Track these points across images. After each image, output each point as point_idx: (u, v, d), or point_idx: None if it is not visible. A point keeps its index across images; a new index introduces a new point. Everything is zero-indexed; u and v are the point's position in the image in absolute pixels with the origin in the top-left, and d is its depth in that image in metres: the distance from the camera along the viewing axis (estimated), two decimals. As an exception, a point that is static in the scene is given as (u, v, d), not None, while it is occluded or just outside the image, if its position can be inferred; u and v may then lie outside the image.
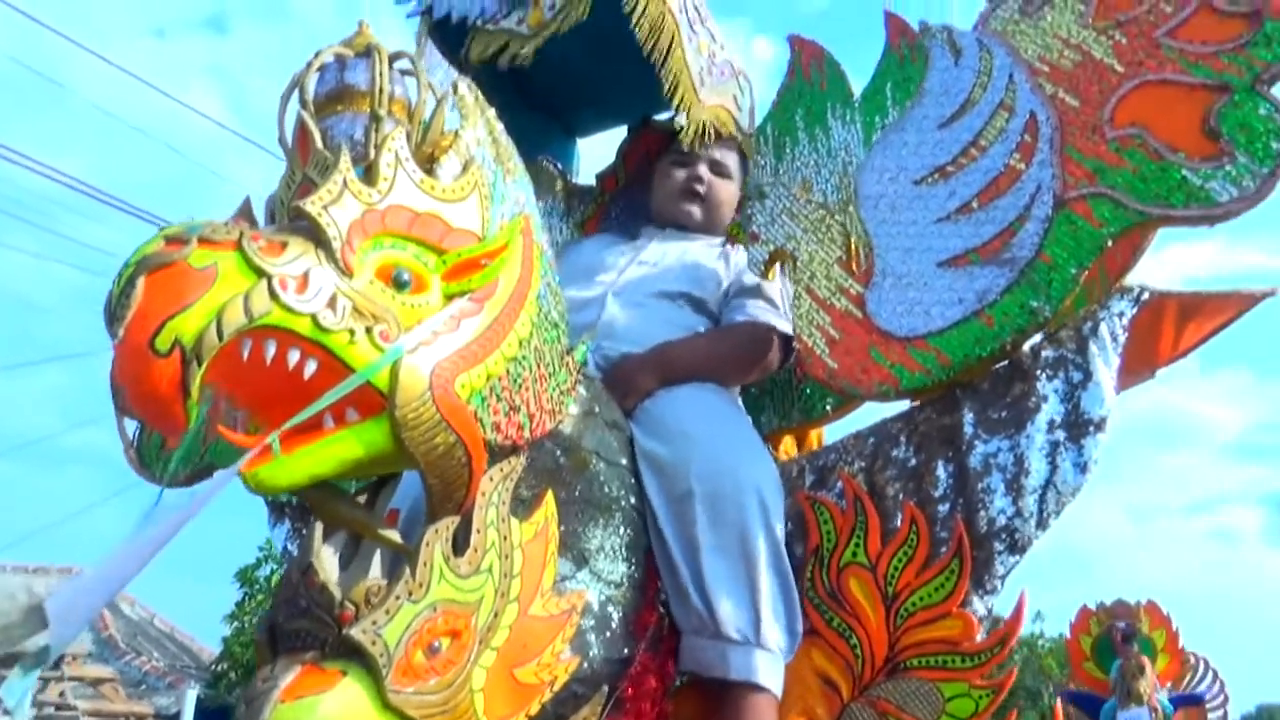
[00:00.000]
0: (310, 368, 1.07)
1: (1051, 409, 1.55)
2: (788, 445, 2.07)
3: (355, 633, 1.05)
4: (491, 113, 1.48)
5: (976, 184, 1.65)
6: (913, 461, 1.63)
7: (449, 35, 2.07)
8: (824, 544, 1.62)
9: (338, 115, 1.31)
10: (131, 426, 2.63)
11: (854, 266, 1.73)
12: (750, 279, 1.90)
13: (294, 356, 1.06)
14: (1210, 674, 6.53)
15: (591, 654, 1.42)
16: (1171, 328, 1.70)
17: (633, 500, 1.56)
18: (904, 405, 1.77)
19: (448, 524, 1.20)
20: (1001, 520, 1.54)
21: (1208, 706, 6.28)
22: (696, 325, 1.86)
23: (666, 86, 1.94)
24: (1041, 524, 1.53)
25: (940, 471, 1.60)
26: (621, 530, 1.53)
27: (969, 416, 1.60)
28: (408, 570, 1.13)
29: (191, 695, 9.98)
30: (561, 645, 1.33)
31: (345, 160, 1.17)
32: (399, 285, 1.17)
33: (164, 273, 0.98)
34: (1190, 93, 1.54)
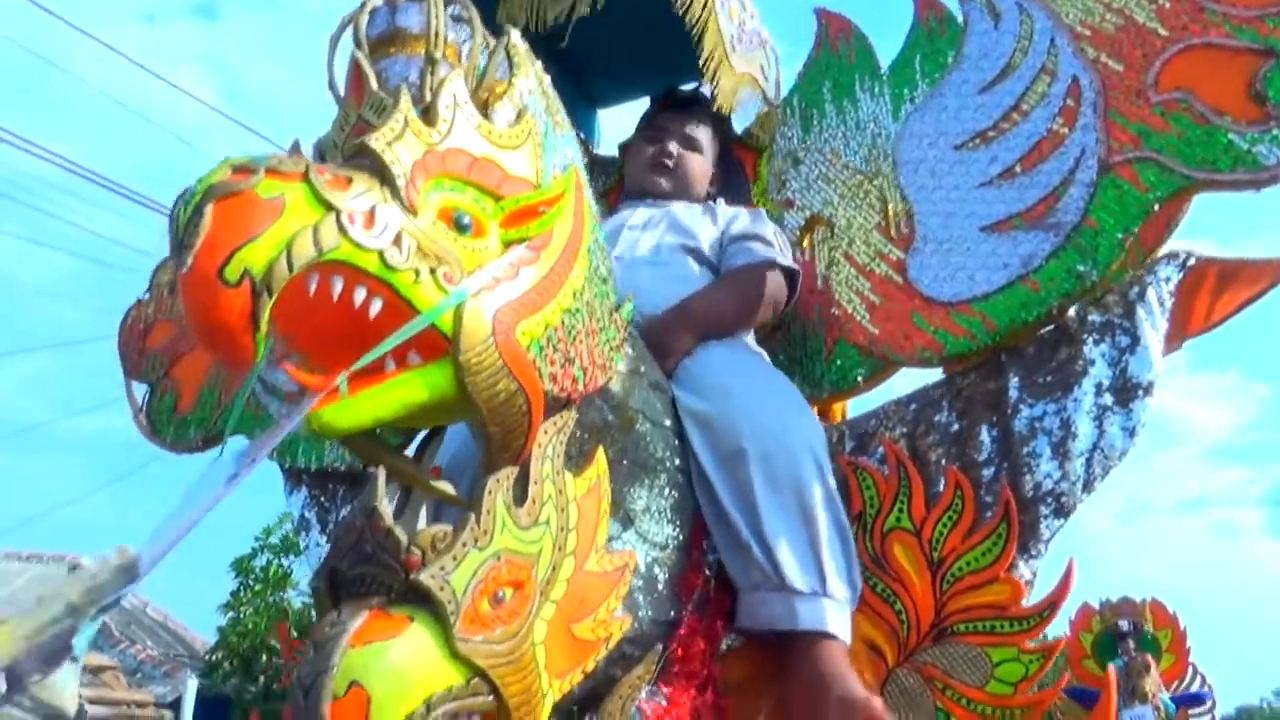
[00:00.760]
0: (376, 306, 1.04)
1: (1099, 373, 1.54)
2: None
3: (424, 578, 1.02)
4: (539, 66, 1.46)
5: (1019, 149, 1.65)
6: (955, 426, 1.62)
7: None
8: (867, 509, 1.61)
9: (391, 58, 1.28)
10: (141, 390, 2.59)
11: (893, 232, 1.72)
12: (740, 225, 1.91)
13: (360, 294, 1.03)
14: (1199, 677, 6.54)
15: (640, 614, 1.39)
16: (1208, 295, 1.70)
17: (677, 462, 1.54)
18: (932, 376, 1.76)
19: (508, 473, 1.17)
20: (1048, 484, 1.53)
21: (1204, 707, 6.26)
22: (700, 276, 1.85)
23: (703, 52, 1.92)
24: (1087, 487, 1.52)
25: (984, 436, 1.59)
26: (667, 492, 1.51)
27: (1014, 381, 1.59)
28: (472, 517, 1.10)
29: (192, 684, 9.87)
30: (615, 603, 1.30)
31: (406, 100, 1.14)
32: (460, 228, 1.15)
33: (232, 201, 0.95)
34: (1235, 57, 1.54)
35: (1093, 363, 1.54)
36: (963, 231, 1.65)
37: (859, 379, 1.95)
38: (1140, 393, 1.51)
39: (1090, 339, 1.56)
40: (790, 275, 1.86)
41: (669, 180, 2.08)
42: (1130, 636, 5.64)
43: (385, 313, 1.05)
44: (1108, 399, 1.52)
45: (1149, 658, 5.49)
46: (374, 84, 1.22)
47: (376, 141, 1.08)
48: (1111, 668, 4.95)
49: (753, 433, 1.51)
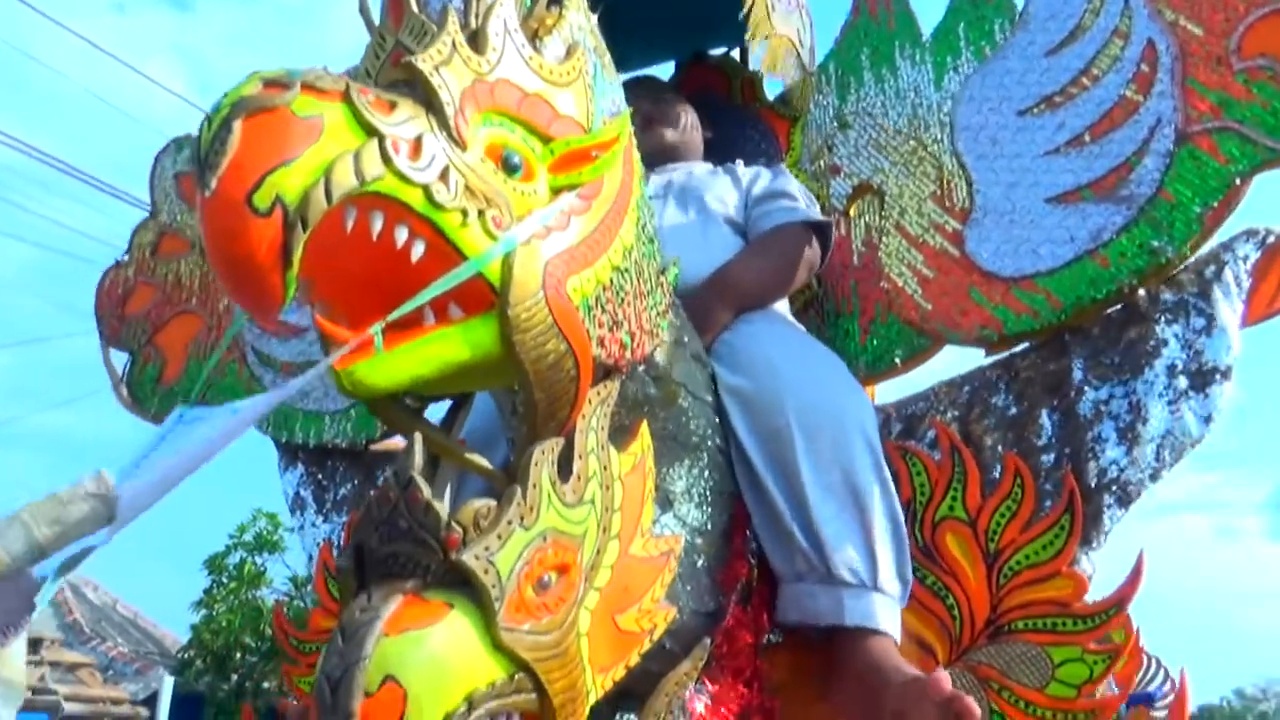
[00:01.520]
0: (418, 249, 0.92)
1: (1172, 354, 1.44)
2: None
3: (467, 558, 0.90)
4: (585, 3, 1.33)
5: (1089, 115, 1.54)
6: (1014, 410, 1.52)
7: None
8: (916, 497, 1.50)
9: (432, -20, 1.15)
10: (121, 360, 2.44)
11: (950, 202, 1.60)
12: (763, 185, 1.80)
13: (402, 234, 0.91)
14: (1162, 672, 6.57)
15: (680, 604, 1.28)
16: (1276, 280, 1.60)
17: (718, 441, 1.42)
18: (970, 360, 1.66)
19: (552, 444, 1.05)
20: (1113, 471, 1.43)
21: (1156, 705, 6.32)
22: (731, 241, 1.74)
23: (745, 7, 1.81)
24: (1155, 476, 1.42)
25: (1045, 420, 1.49)
26: (707, 473, 1.39)
27: (1078, 362, 1.48)
28: (518, 491, 0.97)
29: (169, 681, 9.72)
30: (660, 591, 1.19)
31: (454, 22, 1.01)
32: (509, 169, 1.02)
33: (265, 118, 0.82)
34: (1327, 22, 1.44)
35: (1165, 343, 1.44)
36: (1026, 202, 1.55)
37: (896, 360, 1.84)
38: (1218, 377, 1.41)
39: (1162, 319, 1.46)
40: (822, 231, 1.75)
41: (668, 130, 1.97)
42: None
43: (428, 257, 0.93)
44: (1182, 382, 1.42)
45: None
46: (414, 4, 1.09)
47: (425, 63, 0.96)
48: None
49: (798, 409, 1.40)
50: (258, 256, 0.81)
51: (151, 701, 10.02)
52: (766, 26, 1.89)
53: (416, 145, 0.91)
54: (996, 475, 1.47)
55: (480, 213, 0.96)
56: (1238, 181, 1.43)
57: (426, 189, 0.90)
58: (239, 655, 9.75)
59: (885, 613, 1.35)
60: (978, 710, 1.11)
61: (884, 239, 1.64)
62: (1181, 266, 1.47)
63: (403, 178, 0.88)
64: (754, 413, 1.43)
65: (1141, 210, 1.46)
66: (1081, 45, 1.58)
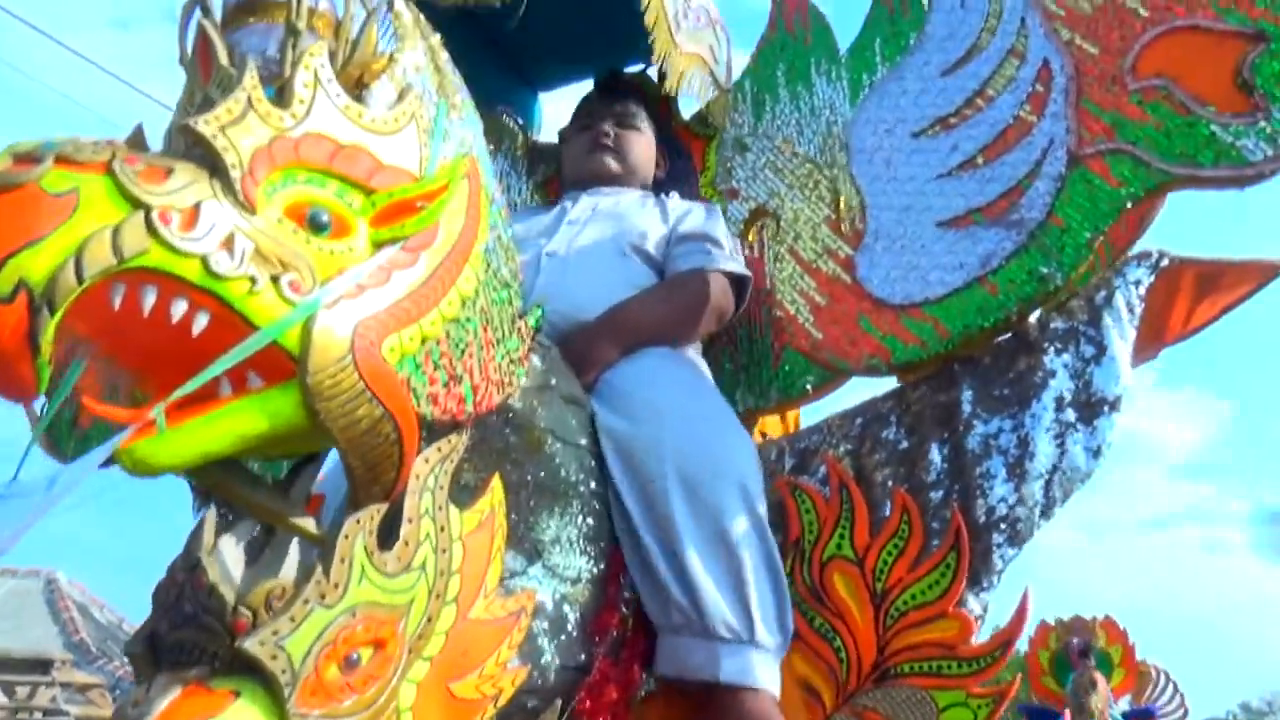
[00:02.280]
0: (200, 322, 0.88)
1: (1060, 385, 1.39)
2: (767, 427, 1.90)
3: (250, 645, 0.86)
4: (436, 39, 1.29)
5: (982, 137, 1.49)
6: (904, 444, 1.47)
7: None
8: (805, 535, 1.46)
9: (248, 28, 1.11)
10: (39, 404, 2.41)
11: (844, 227, 1.56)
12: (691, 224, 1.75)
13: (179, 308, 0.86)
14: (1170, 686, 6.55)
15: (544, 660, 1.24)
16: (1186, 300, 1.55)
17: (593, 485, 1.38)
18: (892, 383, 1.62)
19: (372, 513, 1.01)
20: (1002, 509, 1.38)
21: (1159, 718, 6.30)
22: (642, 278, 1.69)
23: (648, 26, 1.76)
24: (1046, 513, 1.38)
25: (934, 455, 1.44)
26: (580, 520, 1.35)
27: (967, 394, 1.44)
28: (319, 568, 0.94)
29: None
30: (508, 653, 1.15)
31: (252, 75, 0.97)
32: (316, 227, 0.98)
33: (8, 197, 0.78)
34: (1222, 41, 1.38)
35: (1054, 374, 1.40)
36: (917, 227, 1.50)
37: (808, 387, 1.79)
38: (1106, 408, 1.37)
39: (1052, 348, 1.41)
40: (740, 282, 1.71)
41: (615, 160, 1.92)
42: (1082, 653, 5.65)
43: (212, 329, 0.88)
44: (1070, 415, 1.38)
45: (1096, 674, 5.49)
46: (223, 57, 1.05)
47: (207, 125, 0.91)
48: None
49: (675, 456, 1.35)
50: (1, 344, 0.78)
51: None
52: (669, 45, 1.84)
53: (192, 213, 0.87)
54: (887, 513, 1.43)
55: (274, 278, 0.91)
56: (1130, 205, 1.39)
57: (204, 258, 0.86)
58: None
59: (762, 668, 1.31)
60: None
61: (779, 264, 1.59)
62: (1072, 293, 1.42)
63: (172, 249, 0.84)
64: (631, 457, 1.39)
65: (1031, 235, 1.41)
66: (977, 65, 1.53)
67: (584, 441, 1.39)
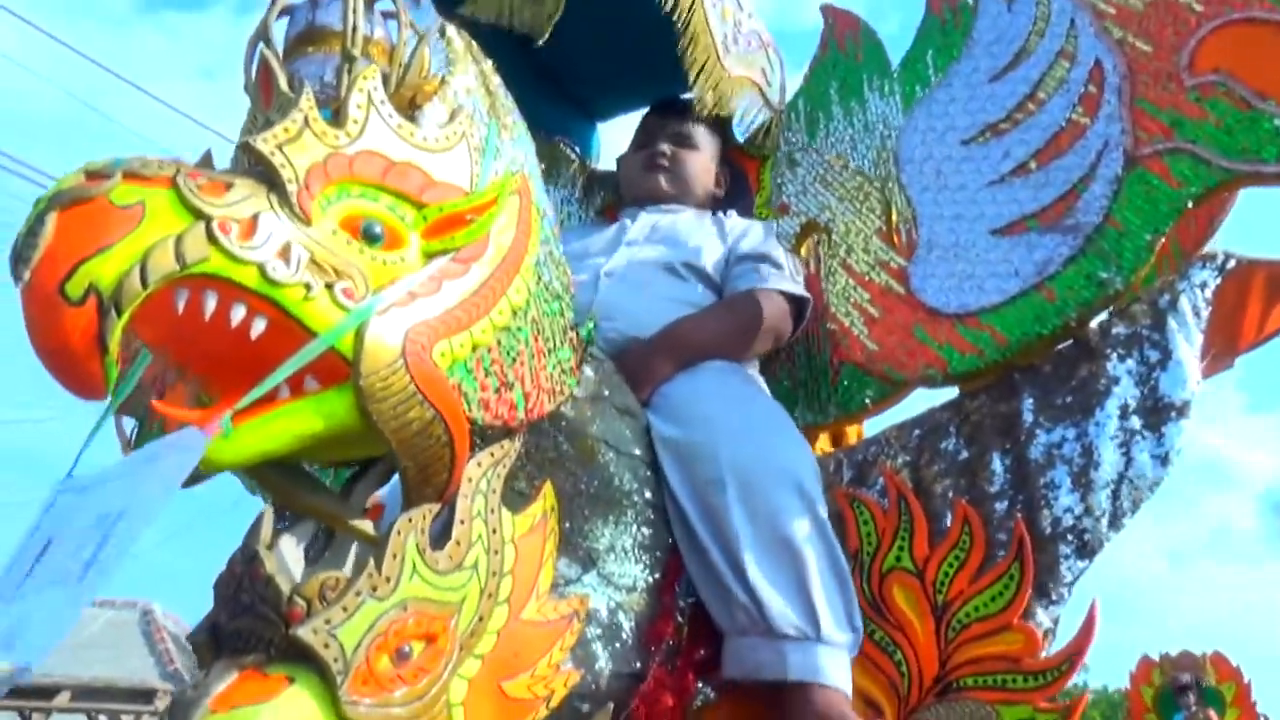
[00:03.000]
0: (258, 326, 0.93)
1: (1124, 392, 1.35)
2: (823, 444, 1.88)
3: (304, 632, 0.89)
4: (488, 65, 1.34)
5: (1034, 142, 1.48)
6: (964, 454, 1.45)
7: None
8: (864, 548, 1.44)
9: (307, 57, 1.17)
10: (130, 424, 2.54)
11: (895, 238, 1.55)
12: (750, 243, 1.75)
13: (238, 313, 0.91)
14: None
15: (598, 667, 1.25)
16: (1259, 303, 1.50)
17: (648, 495, 1.39)
18: (951, 393, 1.60)
19: (424, 512, 1.04)
20: (1068, 519, 1.35)
21: None
22: (700, 297, 1.70)
23: (687, 54, 1.79)
24: (1115, 523, 1.33)
25: (996, 465, 1.41)
26: (635, 529, 1.36)
27: (1028, 403, 1.41)
28: (372, 563, 0.97)
29: None
30: (560, 655, 1.16)
31: (308, 97, 1.03)
32: (369, 239, 1.03)
33: (80, 209, 0.84)
34: (1281, 32, 1.35)
35: (1117, 381, 1.36)
36: (971, 235, 1.49)
37: (867, 401, 1.78)
38: (1173, 414, 1.32)
39: (1114, 354, 1.38)
40: (798, 303, 1.71)
41: (667, 179, 1.94)
42: (1191, 690, 5.33)
43: (270, 333, 0.93)
44: (1135, 422, 1.34)
45: (1211, 713, 5.17)
46: (283, 83, 1.11)
47: (264, 143, 0.97)
48: None
49: (731, 461, 1.36)
50: (71, 345, 0.83)
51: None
52: (720, 73, 1.87)
53: (251, 224, 0.92)
54: (947, 524, 1.40)
55: (329, 285, 0.96)
56: (1191, 205, 1.35)
57: (261, 266, 0.91)
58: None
59: (832, 665, 1.30)
60: None
61: (831, 278, 1.59)
62: (1134, 298, 1.39)
63: (231, 257, 0.89)
64: (688, 465, 1.40)
65: (1089, 240, 1.39)
66: (1026, 69, 1.52)
67: (638, 451, 1.41)
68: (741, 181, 2.07)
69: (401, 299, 1.03)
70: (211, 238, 0.88)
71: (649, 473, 1.42)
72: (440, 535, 1.07)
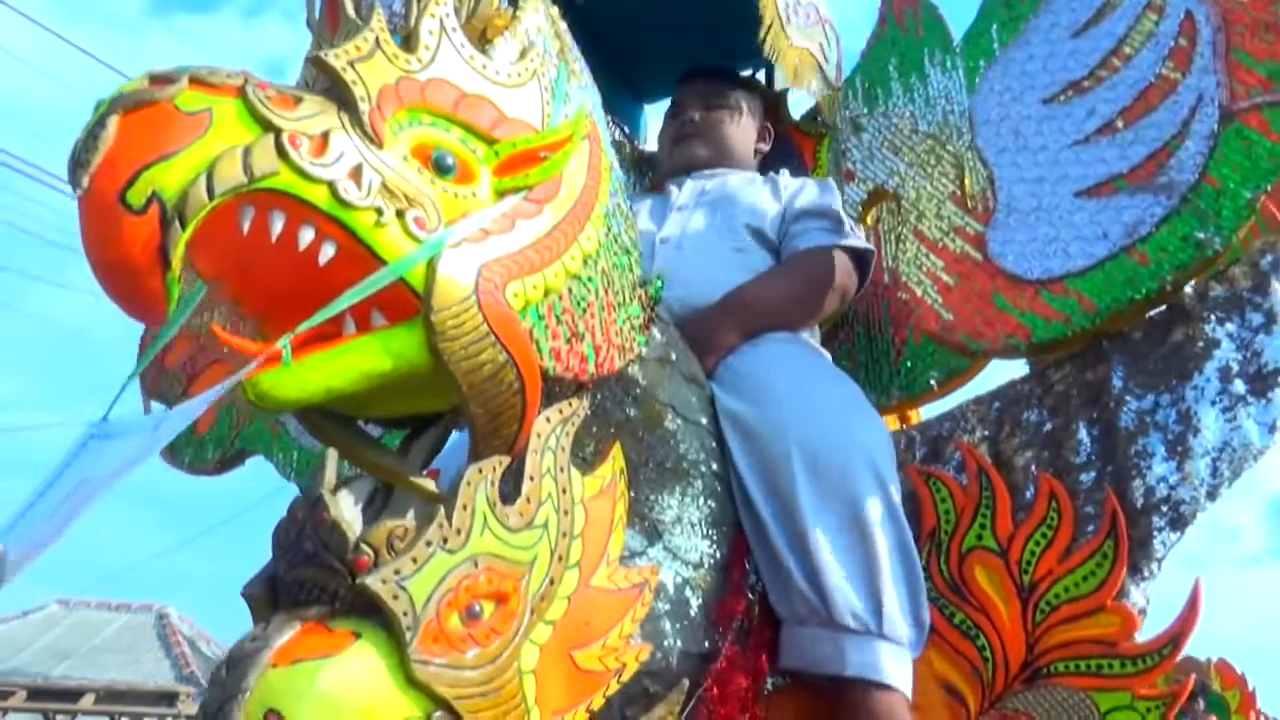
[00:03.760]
0: (327, 252, 0.86)
1: (1225, 355, 1.27)
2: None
3: (373, 582, 0.82)
4: (555, 9, 1.28)
5: (1121, 98, 1.40)
6: (1048, 425, 1.36)
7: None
8: (941, 526, 1.36)
9: (374, -14, 1.12)
10: (159, 410, 2.47)
11: (971, 202, 1.48)
12: (805, 200, 1.68)
13: (307, 235, 0.85)
14: None
15: (666, 644, 1.17)
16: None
17: (715, 467, 1.32)
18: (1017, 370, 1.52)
19: (494, 464, 0.97)
20: (1162, 489, 1.26)
21: None
22: (759, 258, 1.63)
23: (761, 19, 1.74)
24: (1213, 494, 1.25)
25: (1082, 435, 1.33)
26: (702, 501, 1.29)
27: (1118, 370, 1.33)
28: (442, 513, 0.89)
29: None
30: (631, 626, 1.08)
31: (379, 17, 0.96)
32: (441, 170, 0.96)
33: (144, 113, 0.78)
34: (1389, -23, 1.28)
35: (1217, 344, 1.28)
36: (1054, 198, 1.41)
37: (931, 382, 1.70)
38: (1280, 380, 1.24)
39: (1213, 317, 1.30)
40: (861, 258, 1.64)
41: (701, 146, 1.89)
42: (1199, 697, 5.19)
43: (339, 260, 0.86)
44: (1239, 387, 1.25)
45: (1212, 718, 5.02)
46: (350, 9, 1.05)
47: (336, 59, 0.90)
48: None
49: (799, 438, 1.28)
50: (132, 257, 0.76)
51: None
52: (783, 41, 1.81)
53: (322, 141, 0.85)
54: (1030, 498, 1.32)
55: (400, 213, 0.89)
56: (1294, 160, 1.27)
57: (331, 185, 0.84)
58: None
59: (892, 663, 1.21)
60: None
61: (901, 245, 1.51)
62: (1232, 259, 1.31)
63: (302, 174, 0.83)
64: (753, 440, 1.32)
65: (1184, 199, 1.31)
66: (1110, 23, 1.45)
67: (704, 421, 1.33)
68: (797, 159, 2.00)
69: (475, 235, 0.96)
70: (281, 151, 0.82)
71: (715, 444, 1.34)
72: (510, 491, 0.99)
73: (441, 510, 0.90)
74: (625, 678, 1.06)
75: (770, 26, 1.77)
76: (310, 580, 0.85)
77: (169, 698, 9.51)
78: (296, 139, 0.83)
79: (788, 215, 1.68)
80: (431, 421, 1.10)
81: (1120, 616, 1.22)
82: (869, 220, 1.63)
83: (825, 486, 1.27)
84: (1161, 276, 1.31)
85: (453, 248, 0.93)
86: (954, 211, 1.49)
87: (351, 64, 0.91)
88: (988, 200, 1.46)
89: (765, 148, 1.97)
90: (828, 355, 1.62)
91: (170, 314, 0.80)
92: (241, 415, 2.19)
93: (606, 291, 1.14)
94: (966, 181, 1.49)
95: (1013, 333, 1.39)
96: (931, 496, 1.37)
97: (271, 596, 0.88)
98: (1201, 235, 1.29)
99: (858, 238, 1.61)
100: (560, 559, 1.02)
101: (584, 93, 1.26)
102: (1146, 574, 1.25)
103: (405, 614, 0.83)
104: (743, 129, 1.91)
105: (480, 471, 0.95)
